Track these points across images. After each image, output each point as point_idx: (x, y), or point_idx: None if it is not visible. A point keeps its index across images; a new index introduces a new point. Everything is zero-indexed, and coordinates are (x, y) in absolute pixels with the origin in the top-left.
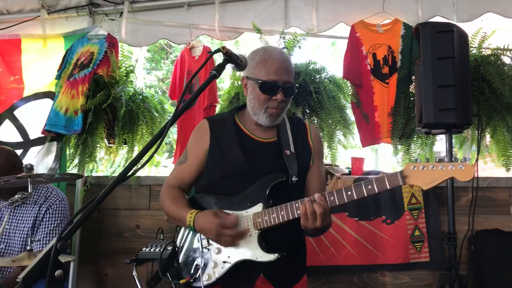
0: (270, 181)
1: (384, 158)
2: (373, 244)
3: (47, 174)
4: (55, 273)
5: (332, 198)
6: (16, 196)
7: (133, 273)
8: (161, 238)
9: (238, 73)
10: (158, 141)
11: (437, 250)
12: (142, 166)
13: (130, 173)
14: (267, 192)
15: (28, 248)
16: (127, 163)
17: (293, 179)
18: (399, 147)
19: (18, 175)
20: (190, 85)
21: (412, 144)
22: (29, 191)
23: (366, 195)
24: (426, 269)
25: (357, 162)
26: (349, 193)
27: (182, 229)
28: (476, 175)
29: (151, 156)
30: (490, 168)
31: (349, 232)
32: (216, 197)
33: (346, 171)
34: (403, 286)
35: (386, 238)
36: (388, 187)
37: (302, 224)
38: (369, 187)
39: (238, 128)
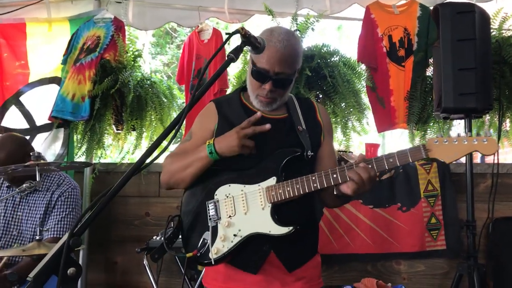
0: (285, 155)
1: (389, 146)
2: (388, 232)
3: (55, 162)
4: (68, 271)
5: (370, 167)
6: (24, 185)
7: (144, 262)
8: (172, 226)
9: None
10: (174, 130)
11: (454, 238)
12: (157, 156)
13: (145, 164)
14: (281, 166)
15: (38, 238)
16: (142, 154)
17: (308, 153)
18: (415, 132)
19: (26, 164)
20: (200, 69)
21: (429, 129)
22: (37, 179)
23: (387, 168)
24: (442, 257)
25: (372, 148)
26: (369, 166)
27: (188, 201)
28: (496, 161)
29: (168, 145)
30: (508, 152)
31: (364, 220)
32: (226, 172)
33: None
34: (419, 275)
35: (402, 226)
36: (411, 160)
37: (352, 191)
38: (391, 160)
39: (245, 106)
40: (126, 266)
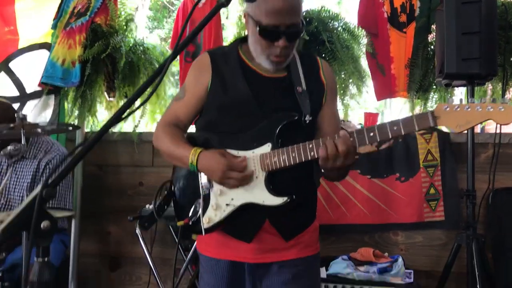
0: (281, 120)
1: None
2: (386, 202)
3: (41, 125)
4: (42, 225)
5: (351, 139)
6: (8, 147)
7: (137, 231)
8: (163, 194)
9: None
10: (158, 79)
11: (453, 209)
12: (141, 105)
13: (125, 115)
14: (276, 132)
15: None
16: (124, 102)
17: (306, 118)
18: (415, 101)
19: (11, 125)
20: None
21: (430, 98)
22: (22, 143)
23: (390, 136)
24: (441, 228)
25: (371, 117)
26: (371, 134)
27: (180, 167)
28: (498, 131)
29: (151, 95)
30: None
31: (361, 190)
32: (218, 136)
33: (359, 127)
34: (416, 246)
35: (400, 196)
36: (417, 128)
37: (321, 164)
38: (395, 128)
39: (242, 62)
40: (119, 236)
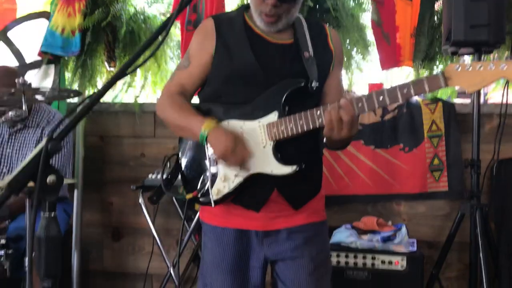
0: (287, 86)
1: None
2: (389, 173)
3: (43, 90)
4: (47, 179)
5: (360, 105)
6: (9, 113)
7: (140, 201)
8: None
9: None
10: (162, 35)
11: (457, 179)
12: (144, 63)
13: (130, 70)
14: (283, 99)
15: None
16: (125, 62)
17: (313, 84)
18: (421, 70)
19: (12, 91)
20: (197, 3)
21: (435, 67)
22: (24, 108)
23: (400, 100)
24: (444, 199)
25: (375, 88)
26: (381, 98)
27: (186, 139)
28: (505, 101)
29: (153, 53)
30: None
31: (364, 161)
32: (224, 106)
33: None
34: (419, 216)
35: (403, 167)
36: (427, 90)
37: (326, 134)
38: (405, 90)
39: (248, 28)
40: (121, 207)
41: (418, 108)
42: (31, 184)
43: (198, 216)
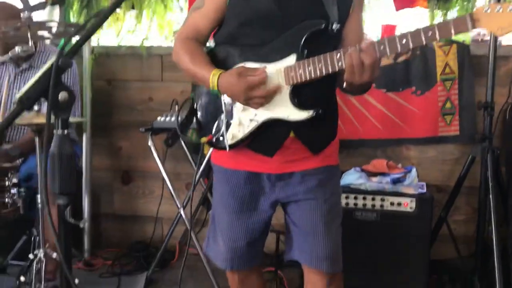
0: (307, 28)
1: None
2: (400, 117)
3: (49, 25)
4: (59, 96)
5: (382, 47)
6: (16, 48)
7: (149, 143)
8: (176, 110)
9: None
10: None
11: (468, 123)
12: None
13: None
14: (302, 42)
15: (36, 108)
16: None
17: (333, 27)
18: (435, 11)
19: (17, 25)
20: None
21: (451, 8)
22: (30, 44)
23: (424, 43)
24: (454, 143)
25: (388, 29)
26: (404, 41)
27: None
28: None
29: None
30: None
31: (375, 105)
32: (240, 49)
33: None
34: (429, 161)
35: (415, 110)
36: (453, 32)
37: (347, 79)
38: (429, 33)
39: None
40: (130, 151)
41: (432, 50)
42: (40, 120)
43: (208, 159)
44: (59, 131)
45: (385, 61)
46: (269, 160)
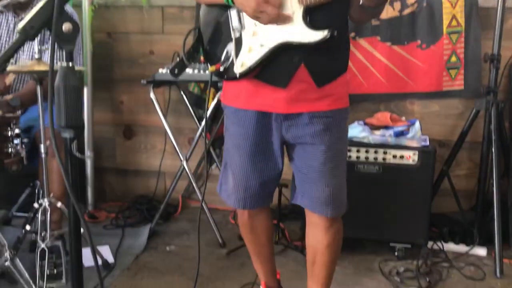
0: None
1: None
2: (405, 71)
3: None
4: (63, 27)
5: None
6: None
7: (151, 95)
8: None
9: None
10: None
11: (473, 77)
12: None
13: None
14: None
15: (37, 56)
16: None
17: None
18: None
19: None
20: None
21: None
22: None
23: None
24: (459, 97)
25: None
26: None
27: (207, 10)
28: None
29: None
30: None
31: (379, 58)
32: None
33: None
34: (432, 115)
35: (419, 64)
36: None
37: (364, 1)
38: None
39: None
40: (132, 105)
41: (439, 2)
42: (41, 67)
43: (211, 113)
44: (64, 63)
45: (391, 13)
46: (279, 97)
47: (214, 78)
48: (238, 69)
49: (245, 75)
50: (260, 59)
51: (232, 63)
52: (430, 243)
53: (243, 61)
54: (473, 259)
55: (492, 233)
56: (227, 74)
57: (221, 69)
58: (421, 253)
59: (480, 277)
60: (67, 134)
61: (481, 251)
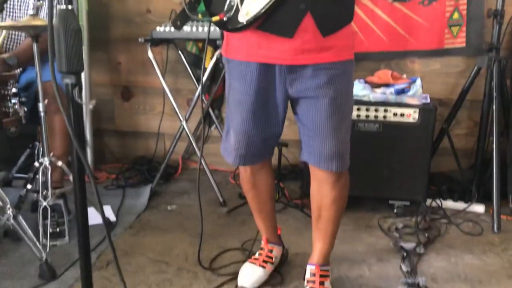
0: None
1: None
2: (406, 28)
3: None
4: None
5: None
6: None
7: (149, 54)
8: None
9: None
10: None
11: (475, 34)
12: None
13: None
14: None
15: (32, 12)
16: None
17: None
18: None
19: None
20: None
21: None
22: None
23: None
24: (460, 55)
25: None
26: None
27: None
28: None
29: None
30: None
31: (381, 16)
32: None
33: None
34: (433, 73)
35: (421, 22)
36: None
37: None
38: None
39: None
40: (130, 66)
41: None
42: (36, 22)
43: (209, 73)
44: (62, 6)
45: None
46: (282, 48)
47: (212, 36)
48: (243, 18)
49: (249, 25)
50: (264, 6)
51: (236, 13)
52: (428, 201)
53: (248, 10)
54: (471, 215)
55: (490, 191)
56: (231, 24)
57: (225, 18)
58: (419, 210)
59: (478, 233)
60: (68, 80)
61: (479, 208)
